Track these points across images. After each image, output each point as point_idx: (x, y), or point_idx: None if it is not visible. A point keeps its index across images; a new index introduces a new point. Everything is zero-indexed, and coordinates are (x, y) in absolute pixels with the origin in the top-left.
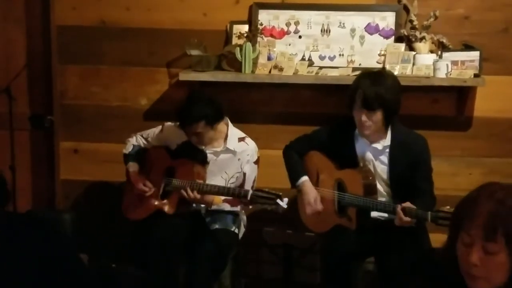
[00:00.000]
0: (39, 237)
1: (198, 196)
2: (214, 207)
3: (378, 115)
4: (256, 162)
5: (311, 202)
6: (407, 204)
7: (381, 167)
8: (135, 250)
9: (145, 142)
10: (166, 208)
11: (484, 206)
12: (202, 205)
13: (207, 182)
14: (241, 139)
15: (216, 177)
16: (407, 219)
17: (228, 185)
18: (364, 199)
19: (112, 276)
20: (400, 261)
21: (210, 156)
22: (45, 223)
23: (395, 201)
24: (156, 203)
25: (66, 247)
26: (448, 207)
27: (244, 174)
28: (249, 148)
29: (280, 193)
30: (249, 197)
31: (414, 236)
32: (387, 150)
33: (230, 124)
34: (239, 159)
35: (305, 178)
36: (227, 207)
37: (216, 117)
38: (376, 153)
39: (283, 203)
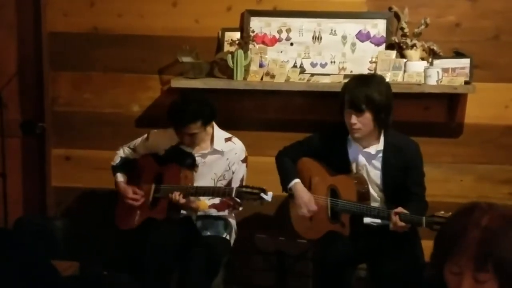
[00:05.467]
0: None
1: (183, 200)
2: (200, 212)
3: (367, 117)
4: (244, 161)
5: (306, 203)
6: (400, 210)
7: (374, 172)
8: (127, 257)
9: (132, 152)
10: (156, 215)
11: (472, 236)
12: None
13: (196, 184)
14: (227, 139)
15: (205, 178)
16: (402, 224)
17: (217, 185)
18: (358, 205)
19: (103, 284)
20: (392, 268)
21: (198, 159)
22: (16, 233)
23: (388, 206)
24: (146, 210)
25: (38, 257)
26: (442, 212)
27: (233, 172)
28: (236, 147)
29: (264, 187)
30: (233, 194)
31: (407, 243)
32: (380, 154)
33: (215, 125)
34: (227, 159)
35: (297, 180)
36: (214, 212)
37: (211, 116)
38: (369, 158)
39: (267, 196)
